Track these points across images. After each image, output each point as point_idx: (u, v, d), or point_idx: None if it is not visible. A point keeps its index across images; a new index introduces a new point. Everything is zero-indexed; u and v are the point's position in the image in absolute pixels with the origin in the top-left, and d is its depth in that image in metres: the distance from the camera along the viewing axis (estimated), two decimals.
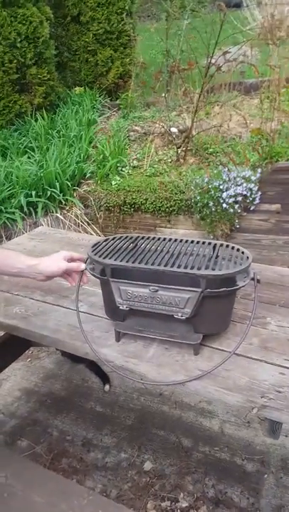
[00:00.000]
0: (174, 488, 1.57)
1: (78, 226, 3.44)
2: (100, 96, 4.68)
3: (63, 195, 3.50)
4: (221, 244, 1.13)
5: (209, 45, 3.21)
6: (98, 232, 3.48)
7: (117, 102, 4.62)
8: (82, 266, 1.19)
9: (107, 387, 2.00)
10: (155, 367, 1.04)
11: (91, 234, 3.39)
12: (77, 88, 4.68)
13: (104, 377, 2.02)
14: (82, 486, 1.57)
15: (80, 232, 3.37)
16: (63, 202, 3.52)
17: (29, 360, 2.27)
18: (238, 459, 1.67)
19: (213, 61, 3.29)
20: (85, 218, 3.50)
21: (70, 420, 1.88)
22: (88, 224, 3.48)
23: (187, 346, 1.08)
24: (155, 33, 4.40)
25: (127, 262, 1.06)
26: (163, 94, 3.94)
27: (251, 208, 2.97)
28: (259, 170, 2.95)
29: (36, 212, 3.37)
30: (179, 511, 1.48)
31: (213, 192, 2.88)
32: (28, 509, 1.04)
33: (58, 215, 3.43)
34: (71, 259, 1.22)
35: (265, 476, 1.59)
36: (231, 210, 2.90)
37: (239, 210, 2.94)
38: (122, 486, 1.58)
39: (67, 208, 3.51)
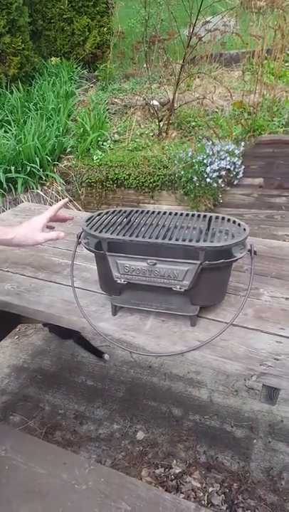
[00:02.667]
0: (167, 455, 1.62)
1: None
2: (77, 67, 4.53)
3: (43, 171, 3.43)
4: (216, 217, 1.14)
5: (191, 13, 3.13)
6: (80, 208, 3.43)
7: (95, 73, 4.49)
8: (62, 234, 1.13)
9: (106, 355, 2.01)
10: (153, 339, 1.05)
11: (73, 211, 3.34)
12: (53, 58, 4.51)
13: (97, 351, 2.04)
14: None
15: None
16: (43, 178, 3.45)
17: (17, 338, 2.26)
18: (227, 426, 1.73)
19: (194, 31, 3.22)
20: (67, 195, 3.45)
21: (61, 395, 1.90)
22: (70, 200, 3.42)
23: (183, 318, 1.10)
24: (134, 0, 4.25)
25: (123, 235, 1.05)
26: (144, 65, 3.85)
27: (235, 183, 2.99)
28: (242, 143, 2.95)
29: (16, 189, 3.29)
30: (173, 477, 1.54)
31: (197, 166, 2.87)
32: (30, 480, 1.05)
33: (39, 191, 3.36)
34: (51, 221, 1.17)
35: (254, 441, 1.66)
36: (215, 185, 2.91)
37: (223, 185, 2.95)
38: (116, 455, 1.62)
39: (48, 184, 3.44)
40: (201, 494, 1.47)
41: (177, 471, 1.56)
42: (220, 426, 1.73)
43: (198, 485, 1.50)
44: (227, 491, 1.48)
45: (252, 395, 1.86)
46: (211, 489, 1.48)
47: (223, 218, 1.13)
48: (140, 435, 1.70)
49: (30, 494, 1.03)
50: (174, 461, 1.59)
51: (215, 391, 1.89)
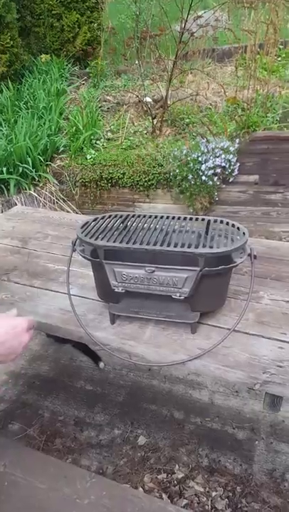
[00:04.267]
0: (169, 460, 1.60)
1: (54, 203, 3.34)
2: (67, 64, 4.47)
3: (36, 171, 3.38)
4: (215, 220, 1.11)
5: (182, 8, 3.09)
6: (75, 209, 3.40)
7: (87, 70, 4.43)
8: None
9: (101, 364, 1.98)
10: (153, 347, 1.02)
11: (67, 211, 3.31)
12: (43, 56, 4.45)
13: (95, 356, 2.01)
14: (78, 464, 1.58)
15: (56, 209, 3.27)
16: (36, 178, 3.40)
17: None
18: (229, 428, 1.71)
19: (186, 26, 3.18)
20: (61, 195, 3.40)
21: (60, 401, 1.87)
22: (64, 201, 3.38)
23: (184, 325, 1.07)
24: None
25: (120, 242, 1.02)
26: (135, 62, 3.80)
27: (230, 180, 2.96)
28: (237, 140, 2.92)
29: (8, 190, 3.25)
30: (176, 482, 1.52)
31: (192, 164, 2.84)
32: (30, 496, 1.03)
33: (32, 192, 3.31)
34: None
35: (256, 442, 1.64)
36: (210, 183, 2.88)
37: (218, 183, 2.92)
38: (117, 461, 1.60)
39: (41, 185, 3.39)
40: (205, 499, 1.45)
41: (180, 475, 1.54)
42: (221, 428, 1.71)
43: (202, 489, 1.48)
44: (230, 494, 1.47)
45: (253, 396, 1.84)
46: (214, 493, 1.47)
47: (221, 221, 1.10)
48: (142, 440, 1.68)
49: (30, 511, 1.01)
50: (177, 465, 1.58)
51: (216, 392, 1.87)
